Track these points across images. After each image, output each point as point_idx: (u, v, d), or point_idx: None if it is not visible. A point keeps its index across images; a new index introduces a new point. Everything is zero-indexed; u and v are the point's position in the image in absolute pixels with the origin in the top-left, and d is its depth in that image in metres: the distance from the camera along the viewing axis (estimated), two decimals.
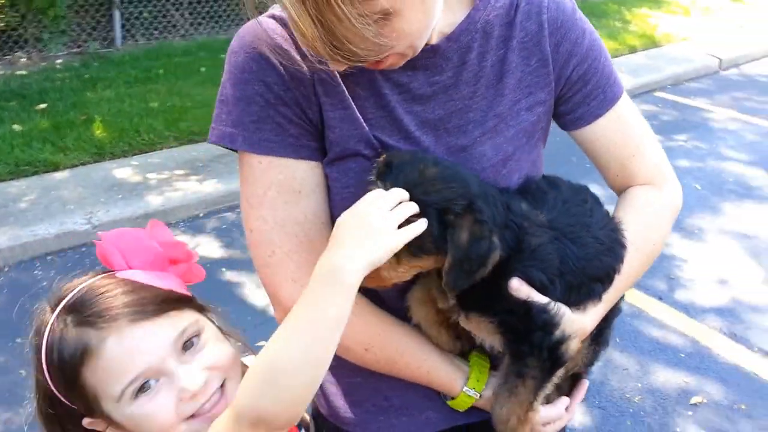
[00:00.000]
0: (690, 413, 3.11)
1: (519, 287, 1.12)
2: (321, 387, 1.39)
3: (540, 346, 1.14)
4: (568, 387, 1.34)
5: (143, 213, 4.81)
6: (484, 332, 1.18)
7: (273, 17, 1.16)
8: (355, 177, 1.16)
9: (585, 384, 1.35)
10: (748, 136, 6.20)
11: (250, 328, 3.69)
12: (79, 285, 1.14)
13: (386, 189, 1.05)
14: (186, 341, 1.12)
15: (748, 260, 4.32)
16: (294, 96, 1.13)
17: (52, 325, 1.09)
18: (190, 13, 8.89)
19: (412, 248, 1.04)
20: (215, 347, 1.15)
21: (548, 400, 1.26)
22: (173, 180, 5.27)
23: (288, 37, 1.12)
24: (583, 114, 1.27)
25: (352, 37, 0.92)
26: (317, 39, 0.92)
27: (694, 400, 3.19)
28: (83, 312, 1.09)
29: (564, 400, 1.29)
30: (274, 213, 1.16)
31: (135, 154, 5.70)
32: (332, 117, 1.14)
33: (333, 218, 1.17)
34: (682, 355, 3.49)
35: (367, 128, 1.15)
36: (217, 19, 9.06)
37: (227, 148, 1.17)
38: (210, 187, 5.16)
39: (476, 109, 1.19)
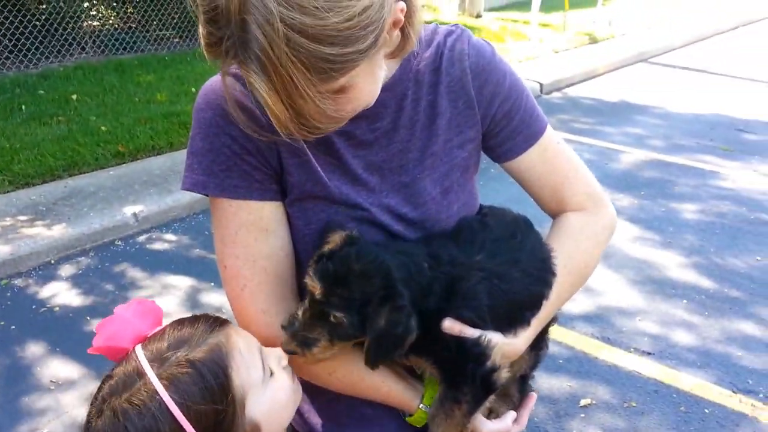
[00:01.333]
0: (582, 415, 3.30)
1: (451, 326, 1.24)
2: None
3: (473, 376, 1.27)
4: (518, 399, 1.46)
5: None
6: (424, 366, 1.32)
7: (231, 74, 1.25)
8: (314, 215, 1.30)
9: (533, 396, 1.47)
10: (584, 155, 6.75)
11: None
12: (139, 347, 1.11)
13: (317, 285, 1.17)
14: None
15: (605, 269, 4.68)
16: (257, 146, 1.25)
17: (163, 378, 1.05)
18: None
19: (338, 336, 1.19)
20: None
21: (497, 414, 1.39)
22: (18, 226, 4.86)
23: (246, 93, 1.20)
24: (511, 147, 1.40)
25: (315, 114, 1.04)
26: (288, 120, 1.04)
27: (582, 402, 3.39)
28: (191, 338, 1.11)
29: (511, 414, 1.40)
30: (246, 250, 1.28)
31: None
32: (290, 164, 1.27)
33: (296, 251, 1.33)
34: (561, 361, 3.70)
35: (321, 173, 1.27)
36: (26, 53, 8.47)
37: (200, 193, 1.28)
38: (59, 232, 4.81)
39: (414, 149, 1.33)
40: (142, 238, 4.99)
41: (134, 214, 5.09)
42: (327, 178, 1.28)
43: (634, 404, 3.36)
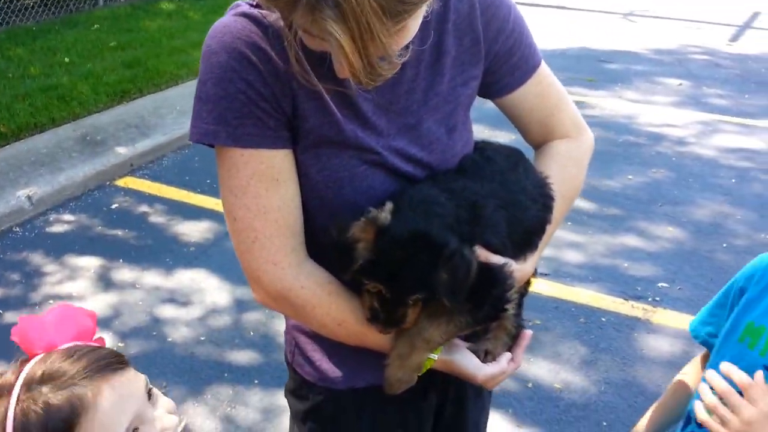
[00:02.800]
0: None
1: (479, 252, 1.27)
2: (306, 356, 1.48)
3: (498, 300, 1.31)
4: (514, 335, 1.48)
5: None
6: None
7: (244, 15, 1.22)
8: (327, 161, 1.28)
9: (528, 333, 1.49)
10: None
11: None
12: (32, 362, 1.10)
13: (380, 286, 1.20)
14: (149, 391, 1.18)
15: None
16: (272, 91, 1.22)
17: (19, 406, 1.05)
18: None
19: (420, 303, 1.23)
20: (165, 398, 1.23)
21: (494, 356, 1.41)
22: None
23: (261, 35, 1.20)
24: (509, 83, 1.41)
25: (379, 60, 1.03)
26: (362, 69, 1.02)
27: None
28: (62, 377, 1.07)
29: (506, 356, 1.42)
30: (257, 201, 1.26)
31: None
32: (306, 108, 1.24)
33: (306, 202, 1.31)
34: None
35: (339, 115, 1.25)
36: None
37: (209, 144, 1.25)
38: None
39: (418, 90, 1.31)
40: (39, 221, 4.83)
41: (28, 197, 4.90)
42: (342, 122, 1.25)
43: (538, 322, 3.68)
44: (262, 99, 1.21)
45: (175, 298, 3.98)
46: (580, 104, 7.06)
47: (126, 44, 7.97)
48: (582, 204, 4.88)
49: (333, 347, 1.44)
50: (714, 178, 5.33)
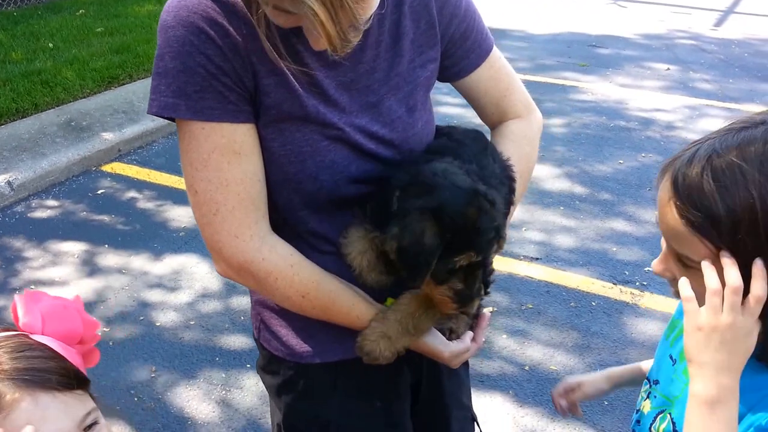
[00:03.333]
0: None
1: None
2: (272, 331, 1.50)
3: (484, 283, 1.34)
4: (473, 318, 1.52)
5: None
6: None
7: None
8: (290, 136, 1.29)
9: (486, 315, 1.54)
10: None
11: None
12: None
13: (474, 254, 1.23)
14: (87, 426, 1.12)
15: None
16: (232, 66, 1.23)
17: None
18: None
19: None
20: None
21: (458, 335, 1.46)
22: None
23: (218, 10, 1.21)
24: (465, 66, 1.47)
25: (349, 26, 1.10)
26: (336, 37, 1.08)
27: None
28: (1, 364, 1.06)
29: (469, 334, 1.48)
30: (218, 174, 1.26)
31: None
32: (267, 84, 1.25)
33: (269, 176, 1.33)
34: None
35: (300, 91, 1.27)
36: None
37: (166, 118, 1.25)
38: None
39: (379, 69, 1.35)
40: (20, 207, 4.74)
41: (8, 183, 4.81)
42: (304, 97, 1.27)
43: (530, 306, 3.67)
44: (222, 73, 1.22)
45: (163, 283, 3.92)
46: (573, 89, 7.15)
47: (114, 30, 7.85)
48: (575, 189, 4.87)
49: (299, 321, 1.44)
50: None
